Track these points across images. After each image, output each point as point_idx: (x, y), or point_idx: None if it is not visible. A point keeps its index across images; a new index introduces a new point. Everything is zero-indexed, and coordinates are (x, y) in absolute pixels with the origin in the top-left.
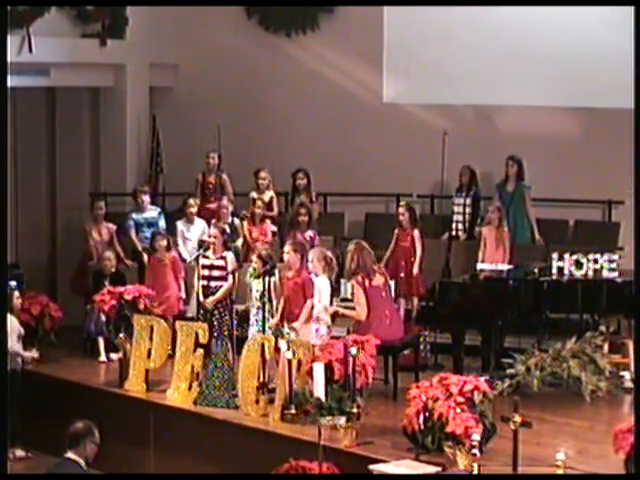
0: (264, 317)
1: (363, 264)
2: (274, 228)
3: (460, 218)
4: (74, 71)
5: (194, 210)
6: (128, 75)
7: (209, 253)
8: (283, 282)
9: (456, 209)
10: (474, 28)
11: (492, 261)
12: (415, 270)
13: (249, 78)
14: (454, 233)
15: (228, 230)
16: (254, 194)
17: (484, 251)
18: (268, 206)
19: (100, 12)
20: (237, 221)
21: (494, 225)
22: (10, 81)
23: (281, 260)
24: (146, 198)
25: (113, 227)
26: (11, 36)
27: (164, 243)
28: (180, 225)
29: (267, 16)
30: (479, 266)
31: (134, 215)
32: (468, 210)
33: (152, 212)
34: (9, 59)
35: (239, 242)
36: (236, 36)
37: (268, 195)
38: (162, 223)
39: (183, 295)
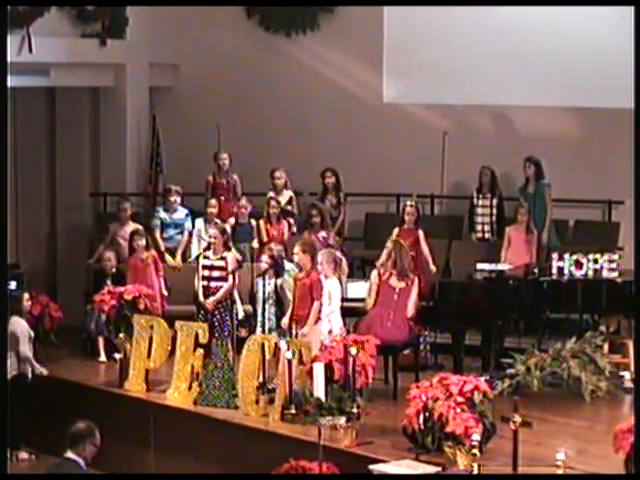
0: (264, 317)
1: (400, 263)
2: (294, 229)
3: (487, 220)
4: (74, 71)
5: (214, 211)
6: (128, 75)
7: (209, 253)
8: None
9: (480, 210)
10: (474, 28)
11: (519, 262)
12: (433, 269)
13: (249, 78)
14: (480, 235)
15: (229, 230)
16: (271, 194)
17: (508, 251)
18: (289, 206)
19: (100, 12)
20: (254, 222)
21: (522, 227)
22: (10, 81)
23: (291, 261)
24: (178, 199)
25: (141, 228)
26: (11, 36)
27: (142, 242)
28: (199, 224)
29: (267, 16)
30: (479, 266)
31: (162, 214)
32: (494, 211)
33: (180, 213)
34: (9, 59)
35: (255, 243)
36: (236, 36)
37: (287, 195)
38: (188, 224)
39: (165, 293)
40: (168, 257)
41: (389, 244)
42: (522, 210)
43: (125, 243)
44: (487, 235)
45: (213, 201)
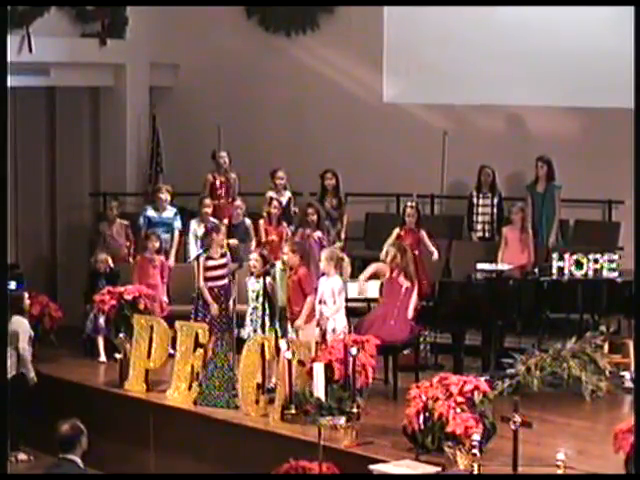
0: (258, 317)
1: (405, 264)
2: (289, 229)
3: (487, 219)
4: (74, 71)
5: (209, 210)
6: (128, 75)
7: (211, 254)
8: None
9: (481, 210)
10: (474, 28)
11: (515, 262)
12: (435, 257)
13: (249, 78)
14: (481, 234)
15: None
16: (271, 194)
17: (504, 251)
18: (294, 207)
19: (100, 12)
20: (248, 221)
21: (517, 226)
22: (10, 81)
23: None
24: (168, 197)
25: (126, 223)
26: (11, 36)
27: (157, 245)
28: (194, 224)
29: (267, 16)
30: (479, 266)
31: (149, 213)
32: (495, 211)
33: (169, 212)
34: (9, 59)
35: (252, 244)
36: (236, 36)
37: (287, 196)
38: (178, 224)
39: (166, 299)
40: None
41: (393, 249)
42: (514, 209)
43: (114, 242)
44: (487, 234)
45: (208, 200)
